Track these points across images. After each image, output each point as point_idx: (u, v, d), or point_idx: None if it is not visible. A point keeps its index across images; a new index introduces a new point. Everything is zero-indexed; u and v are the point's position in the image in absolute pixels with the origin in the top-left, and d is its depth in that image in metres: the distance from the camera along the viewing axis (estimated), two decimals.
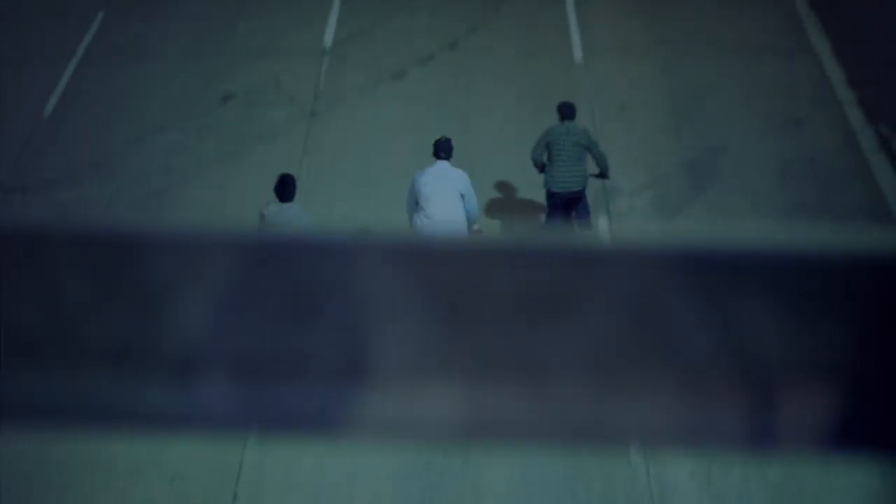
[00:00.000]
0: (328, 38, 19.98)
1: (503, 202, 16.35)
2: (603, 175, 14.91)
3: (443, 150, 13.97)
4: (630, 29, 19.92)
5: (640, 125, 17.71)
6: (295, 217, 13.11)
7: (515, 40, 19.80)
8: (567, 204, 14.61)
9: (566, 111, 14.70)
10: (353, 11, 20.62)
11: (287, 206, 13.17)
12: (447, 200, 13.62)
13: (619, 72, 18.87)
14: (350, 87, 18.82)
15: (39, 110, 18.55)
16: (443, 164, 13.89)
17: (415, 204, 13.80)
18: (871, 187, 16.45)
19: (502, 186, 16.50)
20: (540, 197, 15.51)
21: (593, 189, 15.62)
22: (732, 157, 16.99)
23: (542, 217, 15.74)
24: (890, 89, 18.17)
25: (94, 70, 19.42)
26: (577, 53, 19.28)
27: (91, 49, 19.95)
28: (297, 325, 1.50)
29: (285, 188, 13.22)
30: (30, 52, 19.93)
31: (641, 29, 19.89)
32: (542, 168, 14.71)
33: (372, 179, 16.90)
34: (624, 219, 15.95)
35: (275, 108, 18.46)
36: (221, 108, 18.50)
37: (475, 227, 14.36)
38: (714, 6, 20.42)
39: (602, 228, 15.80)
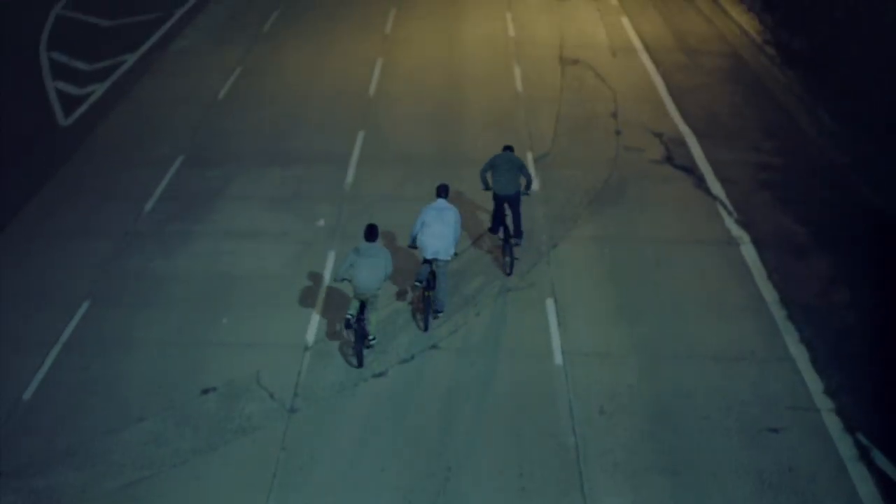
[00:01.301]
0: (310, 334, 20.14)
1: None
2: (528, 186, 21.91)
3: (443, 191, 20.22)
4: (609, 333, 20.12)
5: (618, 429, 17.67)
6: (380, 253, 18.74)
7: (495, 341, 20.00)
8: (507, 202, 21.75)
9: (506, 147, 22.10)
10: (335, 308, 20.88)
11: (374, 244, 18.79)
12: (443, 223, 19.72)
13: (598, 375, 18.97)
14: (331, 384, 18.87)
15: (18, 395, 18.57)
16: (441, 201, 20.08)
17: (420, 227, 19.77)
18: (850, 498, 16.32)
19: None
20: None
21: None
22: (711, 465, 16.88)
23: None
24: (867, 399, 18.29)
25: (75, 357, 19.56)
26: (557, 356, 19.40)
27: (73, 336, 20.13)
28: None
29: (372, 232, 18.87)
30: (13, 337, 20.08)
31: (620, 333, 20.07)
32: (486, 185, 21.98)
33: (352, 484, 16.77)
34: None
35: (254, 402, 18.46)
36: (201, 400, 18.51)
37: (452, 251, 19.91)
38: (693, 313, 20.70)
39: None
